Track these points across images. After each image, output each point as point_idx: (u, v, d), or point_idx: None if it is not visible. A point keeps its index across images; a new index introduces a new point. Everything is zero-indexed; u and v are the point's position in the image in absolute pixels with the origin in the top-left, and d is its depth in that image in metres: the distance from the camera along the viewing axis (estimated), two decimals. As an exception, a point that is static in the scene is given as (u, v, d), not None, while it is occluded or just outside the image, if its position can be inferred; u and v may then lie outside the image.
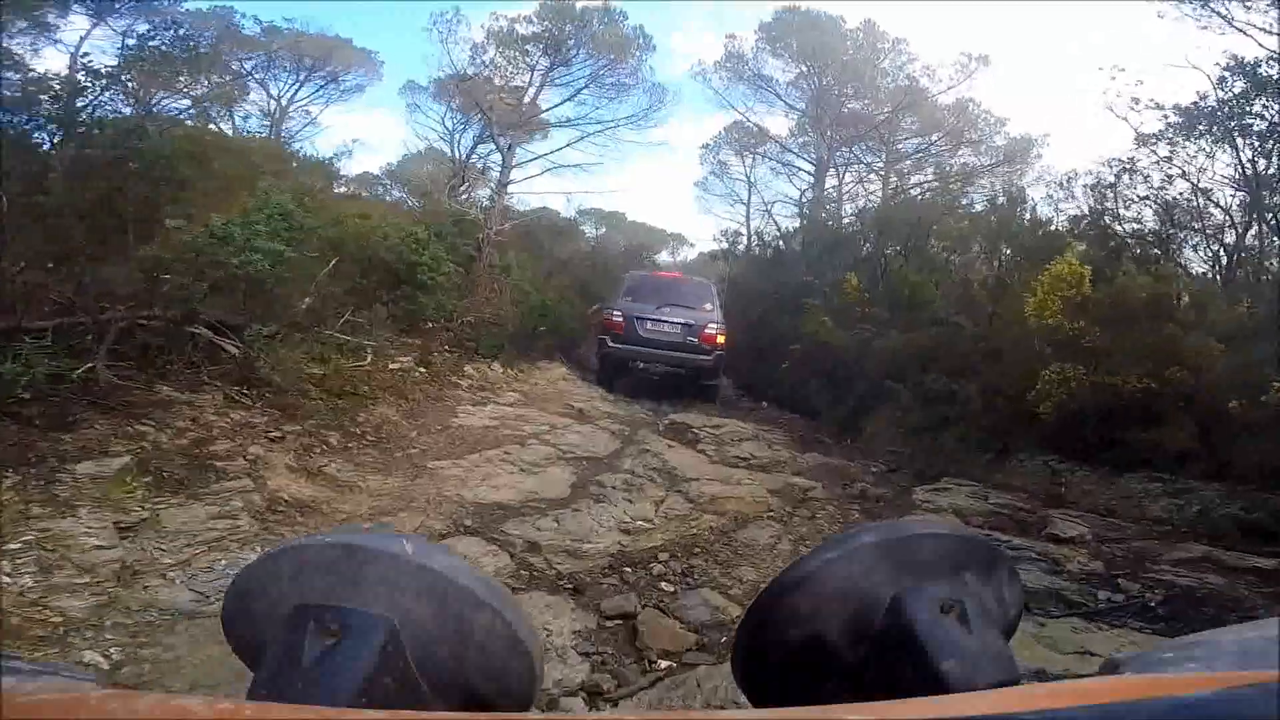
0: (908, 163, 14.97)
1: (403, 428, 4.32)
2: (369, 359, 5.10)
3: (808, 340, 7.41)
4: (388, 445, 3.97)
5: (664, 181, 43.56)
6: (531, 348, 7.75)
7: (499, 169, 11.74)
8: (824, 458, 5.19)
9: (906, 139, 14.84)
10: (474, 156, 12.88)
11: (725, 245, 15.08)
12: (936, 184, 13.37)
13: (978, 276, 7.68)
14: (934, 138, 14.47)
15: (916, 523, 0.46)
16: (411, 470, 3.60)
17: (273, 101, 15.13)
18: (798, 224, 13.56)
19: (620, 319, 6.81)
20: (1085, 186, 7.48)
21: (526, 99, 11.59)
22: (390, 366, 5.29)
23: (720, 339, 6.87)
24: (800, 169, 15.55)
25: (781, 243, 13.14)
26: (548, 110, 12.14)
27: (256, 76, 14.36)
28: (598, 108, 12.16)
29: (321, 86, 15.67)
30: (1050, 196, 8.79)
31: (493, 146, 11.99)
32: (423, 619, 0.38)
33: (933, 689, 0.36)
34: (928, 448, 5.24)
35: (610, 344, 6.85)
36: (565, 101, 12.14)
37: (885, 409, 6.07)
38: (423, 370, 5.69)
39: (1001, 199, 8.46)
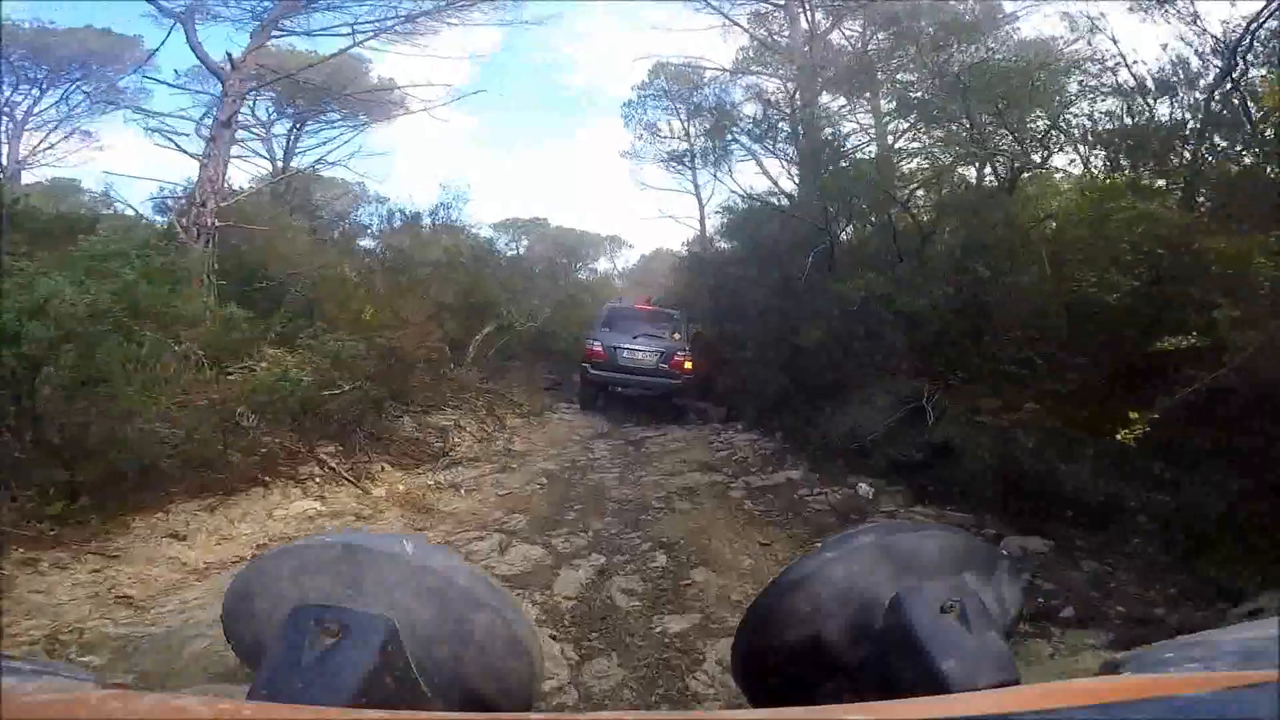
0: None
1: None
2: None
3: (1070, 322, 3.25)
4: None
5: (590, 181, 37.96)
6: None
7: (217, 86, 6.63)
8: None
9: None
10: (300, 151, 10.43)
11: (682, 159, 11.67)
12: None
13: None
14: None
15: (915, 523, 0.46)
16: None
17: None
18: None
19: (600, 347, 7.73)
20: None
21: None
22: None
23: (688, 365, 7.74)
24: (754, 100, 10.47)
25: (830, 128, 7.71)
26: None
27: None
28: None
29: (75, 88, 11.87)
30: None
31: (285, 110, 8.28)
32: (423, 619, 0.38)
33: (933, 689, 0.37)
34: None
35: (592, 370, 7.77)
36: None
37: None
38: None
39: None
